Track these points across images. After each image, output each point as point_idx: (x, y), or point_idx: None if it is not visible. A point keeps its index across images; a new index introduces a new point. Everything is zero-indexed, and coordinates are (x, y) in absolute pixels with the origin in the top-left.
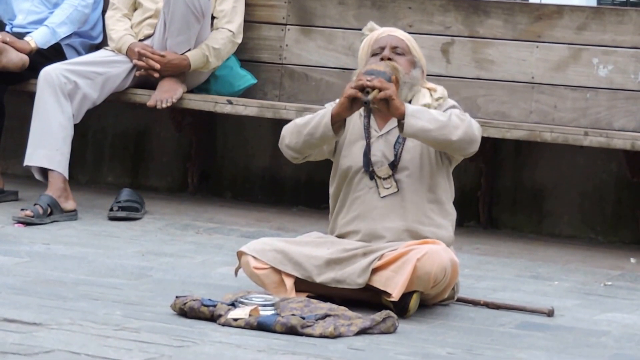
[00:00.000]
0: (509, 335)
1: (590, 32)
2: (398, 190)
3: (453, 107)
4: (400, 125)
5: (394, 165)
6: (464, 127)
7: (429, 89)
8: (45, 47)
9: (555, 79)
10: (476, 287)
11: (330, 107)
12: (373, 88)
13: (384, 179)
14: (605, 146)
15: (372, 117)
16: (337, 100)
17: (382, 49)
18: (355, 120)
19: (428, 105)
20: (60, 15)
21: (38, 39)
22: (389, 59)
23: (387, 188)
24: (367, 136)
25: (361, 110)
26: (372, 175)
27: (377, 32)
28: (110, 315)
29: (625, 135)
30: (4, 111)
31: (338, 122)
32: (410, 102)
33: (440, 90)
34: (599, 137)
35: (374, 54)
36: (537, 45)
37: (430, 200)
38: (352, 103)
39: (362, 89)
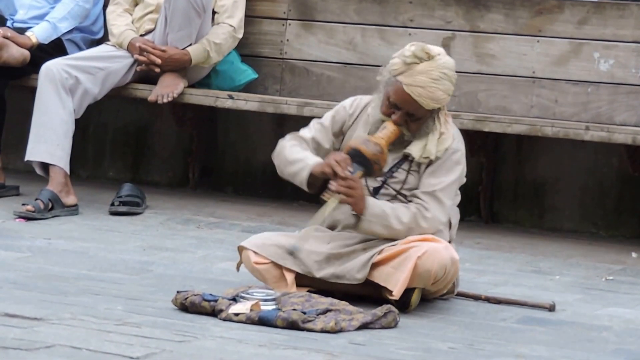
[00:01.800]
0: (510, 330)
1: (591, 27)
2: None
3: (454, 152)
4: (356, 221)
5: (376, 191)
6: (418, 232)
7: (440, 134)
8: (47, 42)
9: (556, 74)
10: (477, 281)
11: (312, 161)
12: (331, 190)
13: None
14: (606, 141)
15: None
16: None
17: (397, 108)
18: (359, 130)
19: (427, 159)
20: (62, 10)
21: (39, 34)
22: (400, 124)
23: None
24: None
25: (370, 113)
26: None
27: (408, 76)
28: (112, 310)
29: (626, 130)
30: (5, 106)
31: (316, 180)
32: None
33: (449, 141)
34: (600, 132)
35: (389, 100)
36: (538, 39)
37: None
38: (327, 175)
39: (336, 173)
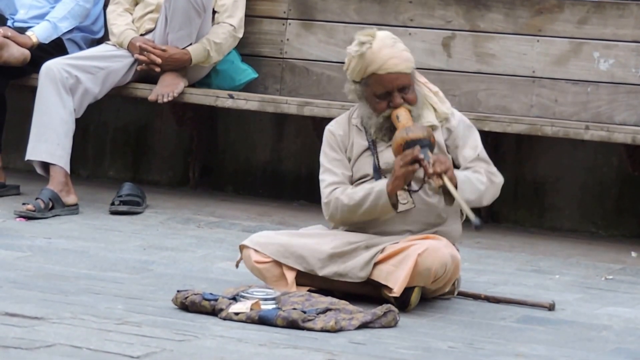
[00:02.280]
0: (509, 329)
1: (591, 26)
2: (415, 205)
3: (467, 126)
4: (445, 197)
5: (409, 183)
6: (494, 190)
7: (434, 108)
8: (47, 42)
9: (556, 73)
10: (477, 280)
11: (380, 187)
12: (436, 174)
13: (400, 195)
14: (606, 140)
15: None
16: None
17: (389, 93)
18: (357, 140)
19: (433, 127)
20: (62, 10)
21: (39, 33)
22: (401, 103)
23: (404, 204)
24: (374, 151)
25: (365, 122)
26: None
27: (373, 63)
28: (112, 310)
29: (626, 129)
30: (5, 106)
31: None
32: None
33: (444, 111)
34: (599, 131)
35: (378, 96)
36: (538, 39)
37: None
38: (408, 176)
39: (415, 162)
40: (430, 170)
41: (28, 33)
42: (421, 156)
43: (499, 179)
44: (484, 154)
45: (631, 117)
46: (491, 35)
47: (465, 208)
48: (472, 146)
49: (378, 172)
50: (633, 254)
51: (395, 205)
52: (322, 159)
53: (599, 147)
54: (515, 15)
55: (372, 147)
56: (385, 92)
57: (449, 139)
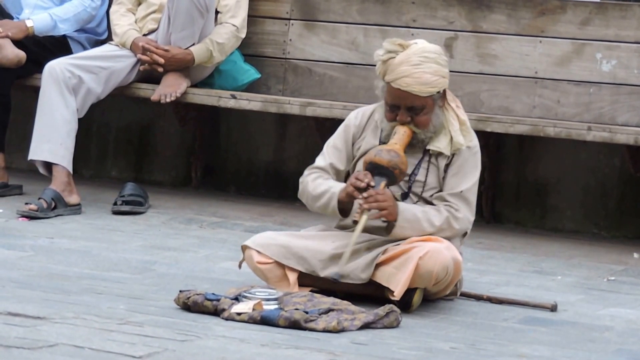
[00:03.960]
0: (512, 330)
1: (594, 27)
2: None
3: (476, 151)
4: (388, 227)
5: (405, 196)
6: (450, 233)
7: (461, 122)
8: (40, 36)
9: (558, 74)
10: (479, 281)
11: (337, 189)
12: (360, 208)
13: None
14: (608, 141)
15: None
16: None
17: (397, 107)
18: (369, 137)
19: (439, 153)
20: (68, 11)
21: (37, 25)
22: (407, 122)
23: None
24: None
25: (379, 122)
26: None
27: (390, 73)
28: (114, 309)
29: (628, 130)
30: (9, 106)
31: (347, 208)
32: (427, 141)
33: (460, 142)
34: (602, 132)
35: (389, 104)
36: (540, 40)
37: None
38: (349, 195)
39: (360, 189)
40: (360, 202)
41: (27, 21)
42: (369, 184)
43: (460, 226)
44: (469, 194)
45: (633, 118)
46: (494, 36)
47: (346, 254)
48: (463, 180)
49: None
50: (635, 255)
51: (344, 212)
52: (329, 139)
53: (601, 148)
54: (518, 16)
55: None
56: (393, 105)
57: (453, 164)
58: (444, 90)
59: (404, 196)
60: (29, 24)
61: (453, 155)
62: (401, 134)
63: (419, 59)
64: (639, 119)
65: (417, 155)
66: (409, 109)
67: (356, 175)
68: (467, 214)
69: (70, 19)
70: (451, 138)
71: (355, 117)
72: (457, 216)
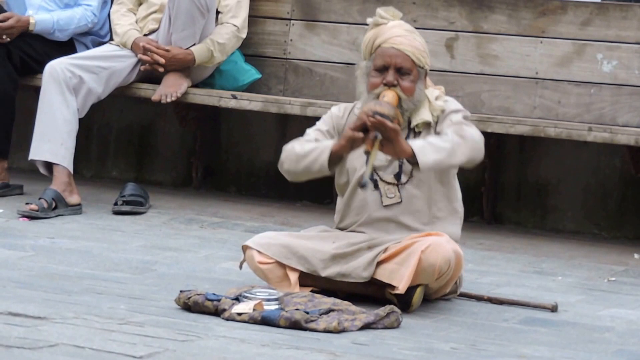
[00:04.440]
0: (512, 330)
1: (595, 28)
2: (401, 201)
3: (453, 112)
4: (413, 165)
5: (398, 176)
6: (467, 144)
7: (429, 102)
8: (47, 37)
9: (559, 75)
10: (480, 282)
11: (329, 143)
12: (378, 128)
13: (388, 183)
14: (609, 142)
15: None
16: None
17: (386, 68)
18: (349, 125)
19: (427, 123)
20: (70, 22)
21: (39, 25)
22: (393, 85)
23: (391, 197)
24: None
25: (357, 113)
26: (375, 183)
27: (382, 35)
28: (115, 310)
29: (629, 131)
30: (14, 108)
31: (336, 160)
32: (410, 118)
33: (439, 105)
34: (602, 133)
35: (377, 69)
36: (541, 40)
37: (438, 200)
38: (353, 143)
39: (364, 129)
40: (373, 120)
41: (31, 17)
42: (377, 112)
43: (469, 133)
44: (458, 118)
45: (634, 119)
46: (494, 36)
47: (369, 168)
48: (453, 122)
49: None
50: (636, 255)
51: (333, 163)
52: (313, 127)
53: (602, 148)
54: (519, 16)
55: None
56: (383, 66)
57: (439, 125)
58: (426, 74)
59: (397, 177)
60: (32, 20)
61: (437, 123)
62: (390, 95)
63: (410, 28)
64: (639, 120)
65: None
66: (398, 70)
67: (358, 119)
68: (467, 128)
69: (69, 31)
70: (429, 103)
71: (336, 110)
72: (456, 131)
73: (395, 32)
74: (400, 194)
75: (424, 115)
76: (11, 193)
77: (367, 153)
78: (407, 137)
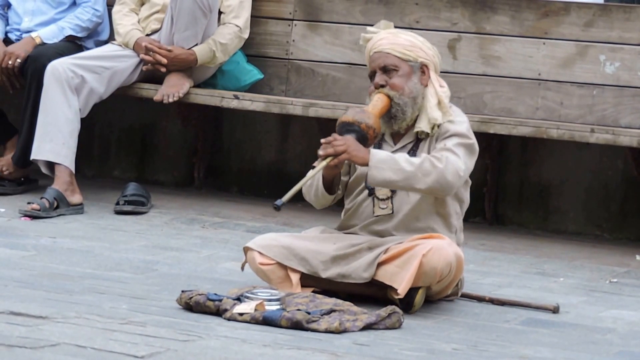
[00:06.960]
0: (514, 331)
1: (597, 29)
2: (393, 212)
3: (453, 135)
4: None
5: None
6: (435, 175)
7: (439, 101)
8: (49, 42)
9: (561, 76)
10: (481, 283)
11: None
12: (328, 156)
13: (381, 199)
14: (611, 143)
15: (386, 131)
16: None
17: (374, 73)
18: None
19: (421, 133)
20: (77, 19)
21: (44, 34)
22: (382, 86)
23: (383, 209)
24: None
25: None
26: (370, 192)
27: (370, 46)
28: (116, 309)
29: (631, 133)
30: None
31: (330, 183)
32: (416, 119)
33: (435, 117)
34: (605, 134)
35: (370, 77)
36: (543, 41)
37: (433, 213)
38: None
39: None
40: (321, 152)
41: (33, 35)
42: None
43: (450, 165)
44: (455, 148)
45: (636, 120)
46: (497, 37)
47: (292, 191)
48: (447, 142)
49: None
50: (638, 257)
51: (331, 187)
52: None
53: (604, 150)
54: (521, 17)
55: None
56: (372, 72)
57: (438, 138)
58: (427, 69)
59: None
60: (35, 35)
61: (436, 139)
62: (375, 99)
63: (397, 30)
64: None
65: (408, 140)
66: (383, 69)
67: (325, 140)
68: (451, 159)
69: (79, 26)
70: (428, 116)
71: None
72: (438, 157)
73: (378, 38)
74: (392, 206)
75: (422, 124)
76: (29, 188)
77: (313, 168)
78: (413, 144)
